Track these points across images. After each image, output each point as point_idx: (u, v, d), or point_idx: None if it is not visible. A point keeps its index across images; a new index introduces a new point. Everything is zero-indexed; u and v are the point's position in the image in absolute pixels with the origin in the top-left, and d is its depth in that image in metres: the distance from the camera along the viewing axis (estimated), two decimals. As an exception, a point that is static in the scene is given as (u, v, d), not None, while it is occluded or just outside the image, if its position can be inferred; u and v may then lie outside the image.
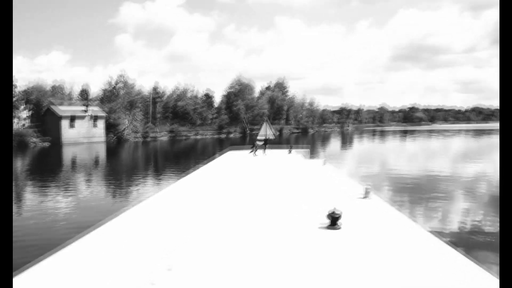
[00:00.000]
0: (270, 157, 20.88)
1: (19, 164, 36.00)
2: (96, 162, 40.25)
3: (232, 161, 19.53)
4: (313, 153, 28.52)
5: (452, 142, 57.57)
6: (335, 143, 61.36)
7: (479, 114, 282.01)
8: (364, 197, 10.08)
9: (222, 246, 6.40)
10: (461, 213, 14.14)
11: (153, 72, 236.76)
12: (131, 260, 5.88)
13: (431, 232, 7.52)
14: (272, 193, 10.49)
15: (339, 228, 7.40)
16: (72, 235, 7.40)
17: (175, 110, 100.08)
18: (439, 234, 7.84)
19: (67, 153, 50.48)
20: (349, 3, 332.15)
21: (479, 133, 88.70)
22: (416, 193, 18.32)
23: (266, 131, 23.67)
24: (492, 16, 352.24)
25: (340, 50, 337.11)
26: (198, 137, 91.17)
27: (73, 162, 40.38)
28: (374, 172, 24.94)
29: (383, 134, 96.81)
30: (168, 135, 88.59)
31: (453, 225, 12.41)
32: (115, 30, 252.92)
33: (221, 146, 60.64)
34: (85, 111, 73.85)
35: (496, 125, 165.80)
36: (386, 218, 8.45)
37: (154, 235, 7.11)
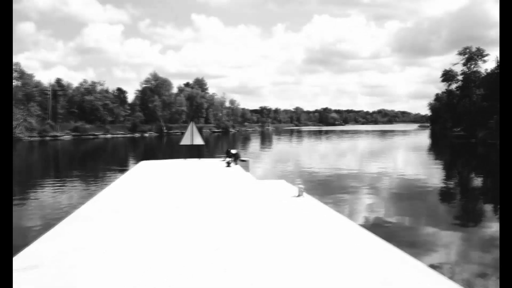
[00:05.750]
0: (204, 170, 15.52)
1: None
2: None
3: (148, 174, 14.50)
4: (255, 160, 22.99)
5: (386, 142, 58.02)
6: (266, 145, 58.27)
7: (384, 116, 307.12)
8: None
9: None
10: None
11: (60, 64, 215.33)
12: None
13: None
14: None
15: None
16: None
17: (81, 106, 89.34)
18: None
19: None
20: (265, 5, 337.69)
21: (394, 133, 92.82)
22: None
23: (192, 136, 18.81)
24: (393, 26, 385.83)
25: (257, 51, 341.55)
26: (109, 136, 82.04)
27: None
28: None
29: (307, 134, 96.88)
30: (71, 134, 78.19)
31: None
32: (17, 16, 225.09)
33: (134, 147, 53.80)
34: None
35: (398, 126, 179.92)
36: None
37: None
